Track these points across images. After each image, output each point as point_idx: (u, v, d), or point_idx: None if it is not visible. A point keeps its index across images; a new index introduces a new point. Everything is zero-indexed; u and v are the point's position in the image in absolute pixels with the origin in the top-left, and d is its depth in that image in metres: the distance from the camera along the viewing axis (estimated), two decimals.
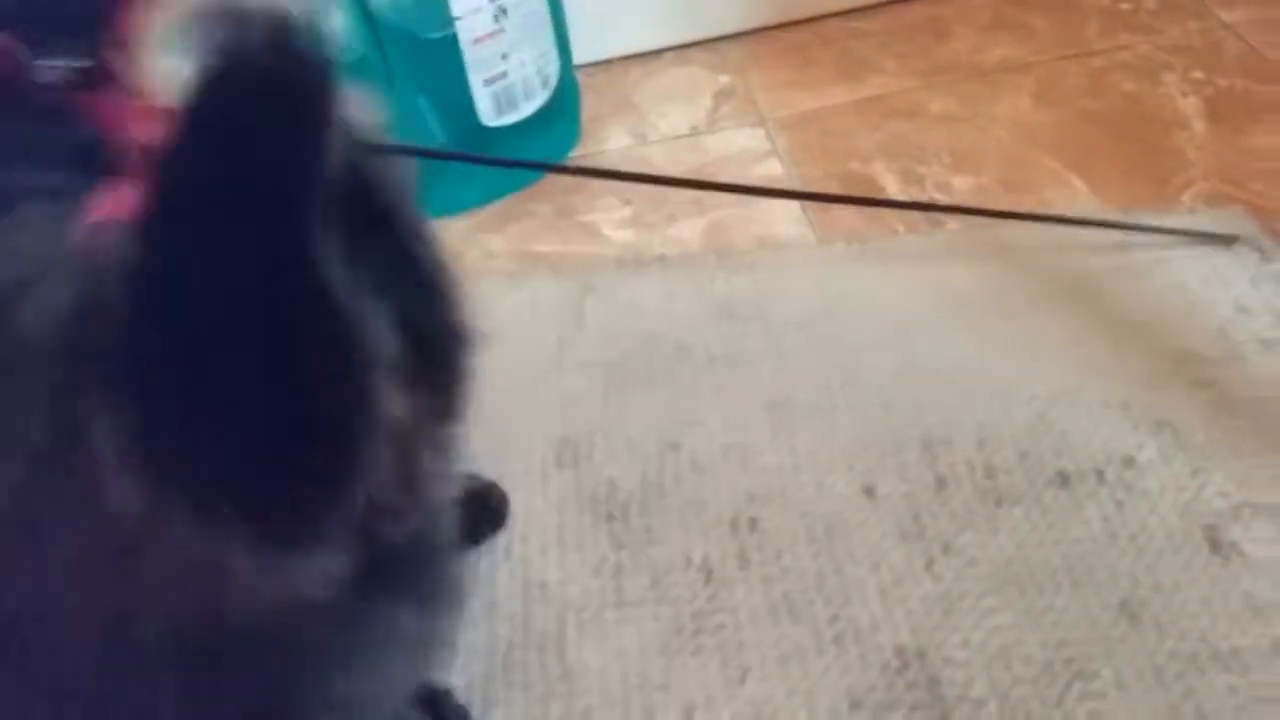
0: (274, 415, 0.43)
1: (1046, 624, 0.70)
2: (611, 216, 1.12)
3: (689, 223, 1.08)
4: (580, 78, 1.22)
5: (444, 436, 0.57)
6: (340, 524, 0.47)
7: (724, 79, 1.27)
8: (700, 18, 1.31)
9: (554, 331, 0.99)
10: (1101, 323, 0.90)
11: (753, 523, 0.79)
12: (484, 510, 0.83)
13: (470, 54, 1.05)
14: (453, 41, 1.04)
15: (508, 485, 0.85)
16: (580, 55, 1.21)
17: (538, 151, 1.17)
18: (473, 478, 0.84)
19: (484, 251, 1.10)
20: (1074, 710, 0.66)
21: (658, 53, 1.31)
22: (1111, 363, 0.87)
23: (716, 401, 0.89)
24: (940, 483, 0.79)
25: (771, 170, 1.13)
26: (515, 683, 0.72)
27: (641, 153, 1.20)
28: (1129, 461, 0.79)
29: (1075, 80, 1.17)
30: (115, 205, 0.44)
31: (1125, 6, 1.26)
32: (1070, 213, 0.99)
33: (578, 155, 1.20)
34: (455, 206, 1.14)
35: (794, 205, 1.08)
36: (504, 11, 1.04)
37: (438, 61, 1.05)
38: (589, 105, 1.24)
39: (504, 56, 1.07)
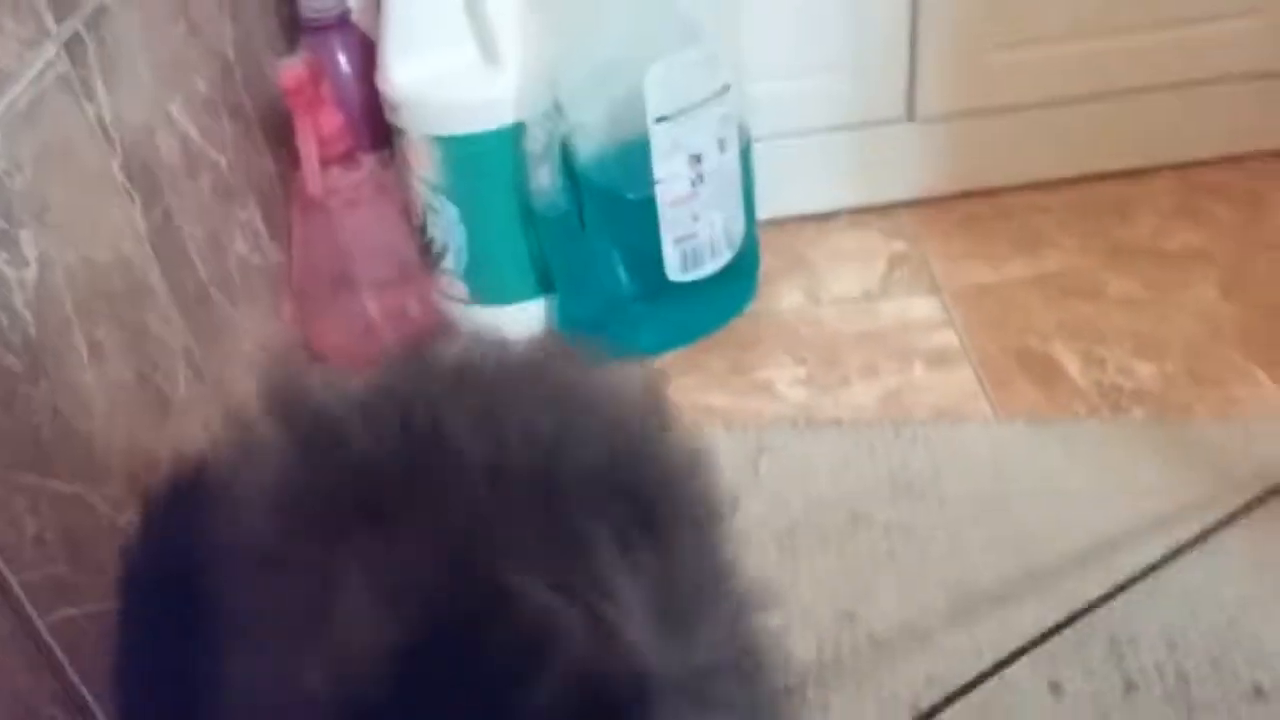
0: None
1: None
2: (785, 374, 1.14)
3: (864, 387, 1.10)
4: (758, 235, 1.26)
5: None
6: None
7: (898, 245, 1.29)
8: (876, 183, 1.34)
9: (725, 489, 1.01)
10: None
11: (933, 711, 0.78)
12: None
13: (665, 214, 1.10)
14: (650, 203, 1.09)
15: None
16: (759, 213, 1.25)
17: (716, 305, 1.21)
18: None
19: None
20: None
21: (833, 215, 1.35)
22: None
23: (892, 576, 0.89)
24: (1129, 685, 0.78)
25: (947, 341, 1.14)
26: None
27: (815, 313, 1.22)
28: None
29: (1262, 273, 1.17)
30: None
31: None
32: (1260, 412, 0.98)
33: (752, 311, 1.24)
34: (630, 353, 1.18)
35: (970, 377, 1.09)
36: (701, 178, 1.09)
37: (634, 219, 1.10)
38: (764, 262, 1.27)
39: (695, 218, 1.12)
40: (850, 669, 0.82)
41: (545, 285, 1.17)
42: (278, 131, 1.11)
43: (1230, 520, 0.85)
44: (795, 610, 0.87)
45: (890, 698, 0.80)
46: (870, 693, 0.80)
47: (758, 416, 1.10)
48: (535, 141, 1.06)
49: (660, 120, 1.04)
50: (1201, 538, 0.84)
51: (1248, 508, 0.86)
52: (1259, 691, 0.77)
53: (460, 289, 1.17)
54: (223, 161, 1.03)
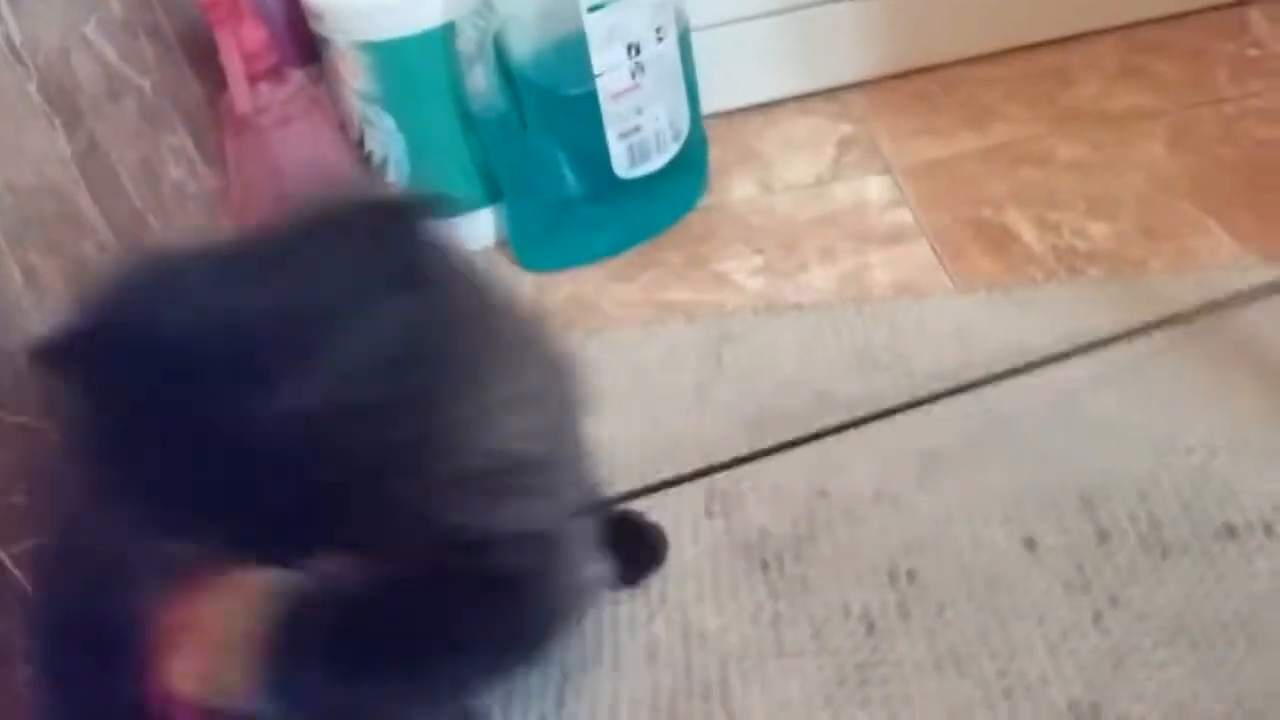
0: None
1: (1223, 678, 0.69)
2: (743, 265, 1.13)
3: (822, 271, 1.09)
4: (705, 128, 1.24)
5: None
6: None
7: (846, 128, 1.28)
8: (819, 68, 1.32)
9: (692, 379, 1.00)
10: (1254, 371, 0.89)
11: (911, 574, 0.79)
12: (642, 548, 0.84)
13: (607, 109, 1.07)
14: (591, 98, 1.06)
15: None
16: (704, 106, 1.23)
17: (667, 201, 1.19)
18: (631, 515, 0.85)
19: (618, 301, 1.12)
20: None
21: (779, 103, 1.33)
22: (1268, 411, 0.85)
23: (862, 450, 0.89)
24: (1102, 535, 0.78)
25: (902, 219, 1.13)
26: None
27: (768, 201, 1.21)
28: None
29: (1208, 127, 1.16)
30: None
31: (1254, 53, 1.25)
32: (1214, 261, 0.98)
33: (705, 205, 1.22)
34: (586, 256, 1.16)
35: (927, 252, 1.08)
36: (641, 68, 1.07)
37: (576, 116, 1.08)
38: (713, 155, 1.26)
39: (639, 111, 1.09)
40: (826, 542, 0.82)
41: (493, 193, 1.15)
42: (201, 52, 1.07)
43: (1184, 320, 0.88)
44: (768, 491, 0.87)
45: (868, 568, 0.80)
46: (846, 564, 0.80)
47: (719, 308, 1.09)
48: (467, 41, 1.03)
49: (593, 9, 1.02)
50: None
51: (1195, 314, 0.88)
52: (1231, 530, 0.78)
53: None
54: (146, 85, 0.99)
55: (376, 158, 1.13)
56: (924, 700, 0.71)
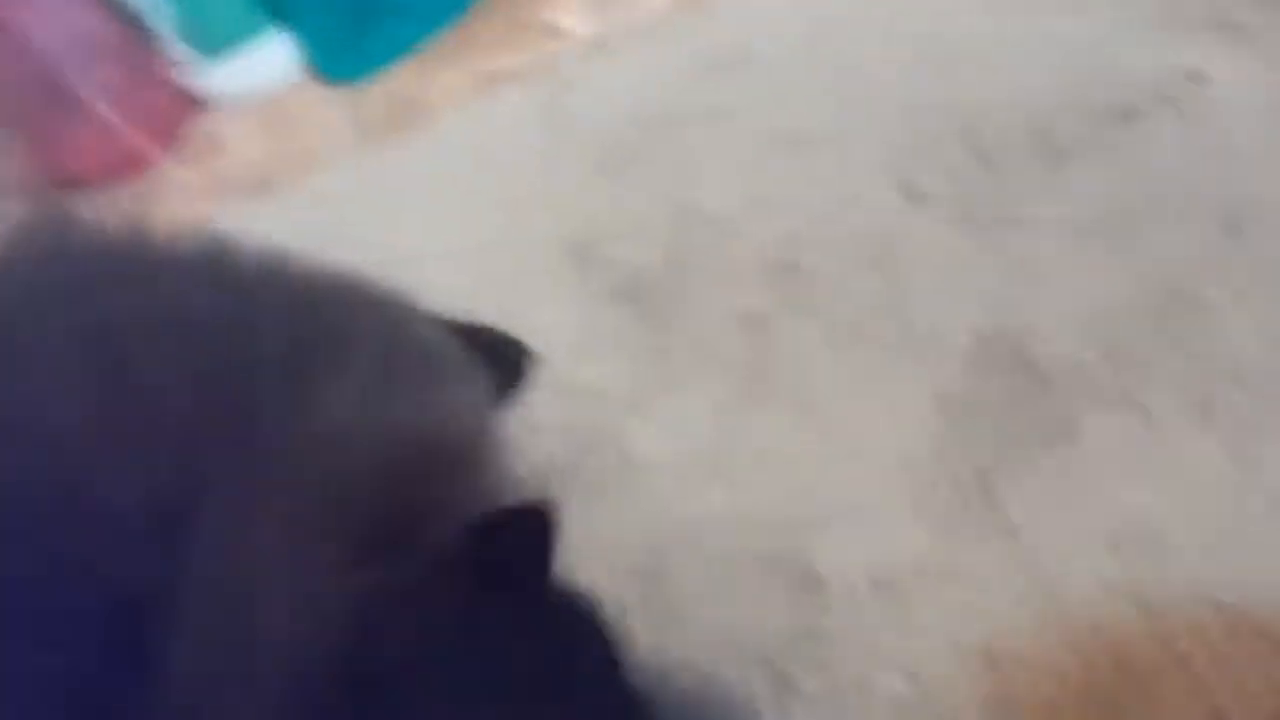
0: None
1: (1141, 267, 0.62)
2: (570, 6, 1.01)
3: None
4: None
5: None
6: None
7: None
8: None
9: (537, 141, 0.91)
10: None
11: (792, 266, 0.70)
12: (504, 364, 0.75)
13: None
14: None
15: (524, 303, 0.78)
16: None
17: None
18: (487, 330, 0.76)
19: (444, 88, 1.01)
20: (1183, 336, 0.58)
21: None
22: None
23: (722, 156, 0.80)
24: (985, 160, 0.70)
25: None
26: (578, 488, 0.66)
27: None
28: (1196, 75, 0.69)
29: None
30: None
31: None
32: None
33: None
34: (397, 50, 1.04)
35: None
36: None
37: None
38: None
39: None
40: (696, 262, 0.74)
41: (277, 10, 1.03)
42: None
43: None
44: (629, 228, 0.79)
45: (749, 271, 0.72)
46: (724, 274, 0.72)
47: (551, 62, 0.98)
48: None
49: None
50: None
51: None
52: (1125, 113, 0.69)
53: (185, 50, 1.02)
54: None
55: (138, 9, 1.00)
56: (825, 379, 0.64)
